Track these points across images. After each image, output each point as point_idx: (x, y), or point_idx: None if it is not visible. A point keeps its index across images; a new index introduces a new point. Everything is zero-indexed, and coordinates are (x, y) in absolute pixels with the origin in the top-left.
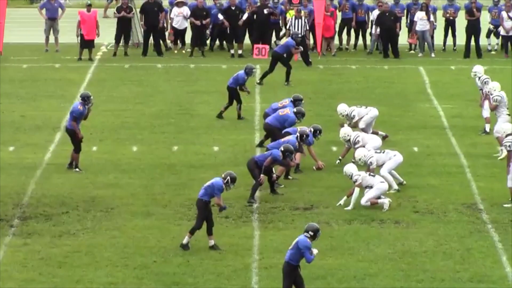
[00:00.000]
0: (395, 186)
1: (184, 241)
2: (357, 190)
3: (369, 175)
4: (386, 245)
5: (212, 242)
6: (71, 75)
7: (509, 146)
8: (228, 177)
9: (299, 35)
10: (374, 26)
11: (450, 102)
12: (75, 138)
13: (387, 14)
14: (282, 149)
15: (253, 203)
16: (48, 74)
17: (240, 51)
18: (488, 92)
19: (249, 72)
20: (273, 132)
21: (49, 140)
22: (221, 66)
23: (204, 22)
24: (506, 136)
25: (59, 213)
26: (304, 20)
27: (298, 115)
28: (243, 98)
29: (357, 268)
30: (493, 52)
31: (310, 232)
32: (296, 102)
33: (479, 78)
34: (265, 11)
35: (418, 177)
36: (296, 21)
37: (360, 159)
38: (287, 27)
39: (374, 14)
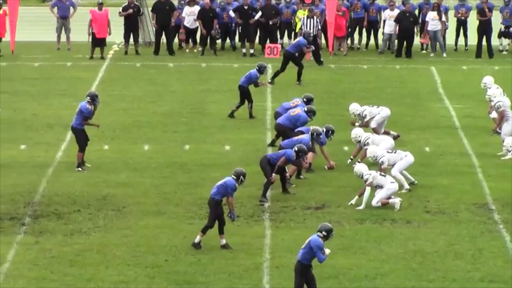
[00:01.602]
0: (407, 186)
1: (196, 240)
2: (368, 189)
3: (380, 174)
4: (397, 245)
5: (223, 241)
6: (82, 74)
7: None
8: (241, 176)
9: (311, 35)
10: (386, 25)
11: (462, 102)
12: (80, 137)
13: (407, 14)
14: (296, 149)
15: (264, 202)
16: (59, 73)
17: (251, 50)
18: (488, 99)
19: (262, 70)
20: (285, 132)
21: (60, 139)
22: (233, 65)
23: (215, 24)
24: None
25: (70, 211)
26: (316, 19)
27: (309, 113)
28: (254, 97)
29: (369, 267)
30: (504, 52)
31: (323, 232)
32: (307, 101)
33: (490, 88)
34: (270, 22)
35: (430, 177)
36: (308, 20)
37: (371, 157)
38: (300, 26)
39: (386, 14)
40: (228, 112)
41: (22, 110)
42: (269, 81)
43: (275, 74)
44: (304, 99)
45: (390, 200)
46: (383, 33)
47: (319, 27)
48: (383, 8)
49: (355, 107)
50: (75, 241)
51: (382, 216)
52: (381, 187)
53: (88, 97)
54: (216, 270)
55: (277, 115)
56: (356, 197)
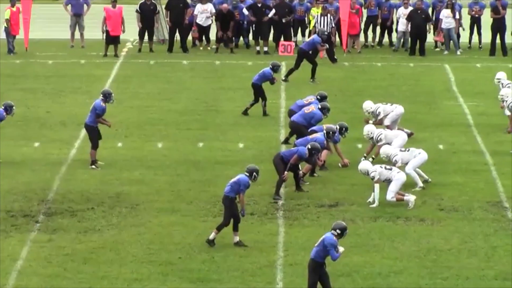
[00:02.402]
0: (420, 184)
1: (211, 237)
2: (377, 186)
3: (385, 168)
4: (411, 243)
5: (236, 239)
6: (96, 71)
7: None
8: (254, 173)
9: (325, 33)
10: (400, 23)
11: (476, 100)
12: (93, 135)
13: (419, 11)
14: (309, 147)
15: (278, 199)
16: (73, 70)
17: (265, 48)
18: (501, 99)
19: (276, 68)
20: (299, 130)
21: (74, 136)
22: (247, 63)
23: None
24: None
25: (84, 209)
26: (330, 17)
27: (323, 110)
28: (268, 95)
29: (382, 265)
30: None
31: (337, 231)
32: (321, 99)
33: (503, 84)
34: (284, 20)
35: (443, 175)
36: (322, 18)
37: (384, 157)
38: (314, 24)
39: (400, 12)
40: (242, 110)
41: (36, 107)
42: (283, 78)
43: (289, 72)
44: (318, 97)
45: (405, 198)
46: (396, 31)
47: (333, 25)
48: (397, 6)
49: (368, 105)
50: (89, 238)
51: (396, 214)
52: (389, 180)
53: (102, 95)
54: (229, 268)
55: (291, 112)
56: (372, 194)
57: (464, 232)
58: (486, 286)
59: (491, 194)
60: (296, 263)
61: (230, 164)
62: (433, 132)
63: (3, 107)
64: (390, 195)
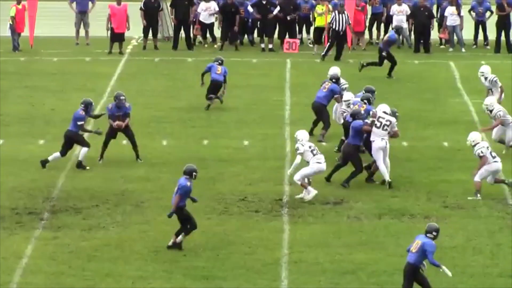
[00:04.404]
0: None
1: (178, 240)
2: (298, 158)
3: (312, 151)
4: None
5: (177, 239)
6: (101, 69)
7: (481, 152)
8: (193, 173)
9: (401, 28)
10: (394, 20)
11: (481, 97)
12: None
13: (421, 9)
14: (352, 112)
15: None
16: (78, 68)
17: (270, 46)
18: (485, 108)
19: (220, 62)
20: (321, 110)
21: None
22: (252, 61)
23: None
24: (475, 144)
25: (89, 206)
26: (347, 14)
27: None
28: (273, 93)
29: (387, 263)
30: None
31: (433, 233)
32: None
33: (486, 78)
34: (288, 18)
35: (448, 172)
36: (340, 16)
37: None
38: (331, 21)
39: (394, 9)
40: (247, 107)
41: (41, 105)
42: (388, 75)
43: (369, 64)
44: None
45: (306, 190)
46: (392, 28)
47: (350, 22)
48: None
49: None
50: (94, 236)
51: (401, 212)
52: (308, 163)
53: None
54: (234, 265)
55: (315, 105)
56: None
57: (469, 229)
58: (491, 283)
59: (496, 192)
60: (301, 261)
61: (235, 162)
62: (437, 129)
63: (82, 106)
64: (298, 175)
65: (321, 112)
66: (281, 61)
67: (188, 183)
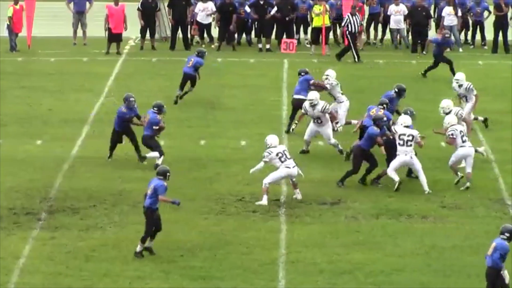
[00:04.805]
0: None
1: (138, 249)
2: (262, 163)
3: (279, 158)
4: (413, 240)
5: (148, 245)
6: (98, 69)
7: (452, 134)
8: (167, 173)
9: (447, 34)
10: (392, 21)
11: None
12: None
13: (419, 9)
14: (373, 117)
15: (378, 185)
16: (76, 68)
17: (268, 46)
18: (442, 112)
19: (202, 55)
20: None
21: (76, 134)
22: (249, 61)
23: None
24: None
25: (86, 206)
26: (359, 16)
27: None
28: (270, 93)
29: (384, 263)
30: None
31: (506, 234)
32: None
33: (461, 85)
34: (287, 19)
35: (446, 172)
36: (353, 18)
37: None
38: (345, 23)
39: (391, 9)
40: (245, 108)
41: (38, 105)
42: (423, 72)
43: (429, 68)
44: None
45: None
46: (390, 29)
47: (362, 23)
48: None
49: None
50: (91, 236)
51: (398, 211)
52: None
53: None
54: (231, 265)
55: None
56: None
57: (467, 229)
58: None
59: (493, 191)
60: (298, 261)
61: (232, 162)
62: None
63: (155, 109)
64: (267, 179)
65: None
66: (279, 61)
67: (165, 183)
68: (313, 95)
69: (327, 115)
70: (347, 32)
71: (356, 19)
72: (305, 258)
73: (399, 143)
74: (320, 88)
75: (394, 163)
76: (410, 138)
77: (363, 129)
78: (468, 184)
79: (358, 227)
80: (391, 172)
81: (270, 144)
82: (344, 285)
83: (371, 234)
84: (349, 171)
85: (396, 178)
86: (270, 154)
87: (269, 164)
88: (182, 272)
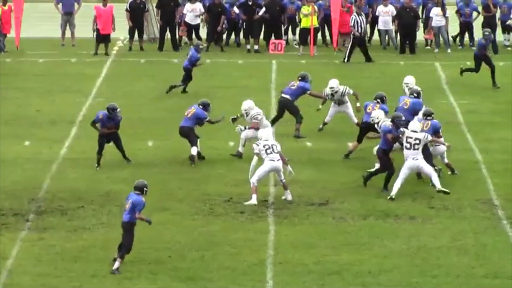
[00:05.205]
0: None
1: (115, 266)
2: (254, 158)
3: (266, 150)
4: (401, 241)
5: (119, 264)
6: (87, 70)
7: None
8: (144, 188)
9: (487, 33)
10: (380, 21)
11: (466, 98)
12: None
13: (407, 9)
14: (391, 117)
15: (386, 191)
16: (64, 69)
17: (256, 47)
18: (371, 120)
19: (198, 49)
20: (288, 106)
21: (64, 135)
22: (237, 62)
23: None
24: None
25: (74, 207)
26: (364, 17)
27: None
28: (259, 94)
29: (372, 263)
30: (509, 48)
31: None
32: (302, 78)
33: (410, 89)
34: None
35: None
36: (359, 18)
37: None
38: (352, 24)
39: (380, 10)
40: (233, 108)
41: (27, 106)
42: (461, 69)
43: (466, 70)
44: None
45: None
46: (378, 30)
47: (368, 23)
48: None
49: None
50: (79, 237)
51: (386, 212)
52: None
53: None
54: (219, 266)
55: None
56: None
57: (454, 230)
58: (476, 284)
59: (481, 192)
60: (286, 262)
61: (220, 163)
62: None
63: (201, 106)
64: (255, 176)
65: (288, 108)
66: (267, 62)
67: (143, 199)
68: (334, 82)
69: (346, 97)
70: (352, 33)
71: (362, 19)
72: (293, 259)
73: (406, 147)
74: (318, 98)
75: (403, 170)
76: (417, 142)
77: (361, 128)
78: (455, 171)
79: (346, 228)
80: (398, 183)
81: (261, 137)
82: (332, 286)
83: (359, 235)
84: (387, 174)
85: (394, 191)
86: (258, 145)
87: (259, 156)
88: (170, 273)
